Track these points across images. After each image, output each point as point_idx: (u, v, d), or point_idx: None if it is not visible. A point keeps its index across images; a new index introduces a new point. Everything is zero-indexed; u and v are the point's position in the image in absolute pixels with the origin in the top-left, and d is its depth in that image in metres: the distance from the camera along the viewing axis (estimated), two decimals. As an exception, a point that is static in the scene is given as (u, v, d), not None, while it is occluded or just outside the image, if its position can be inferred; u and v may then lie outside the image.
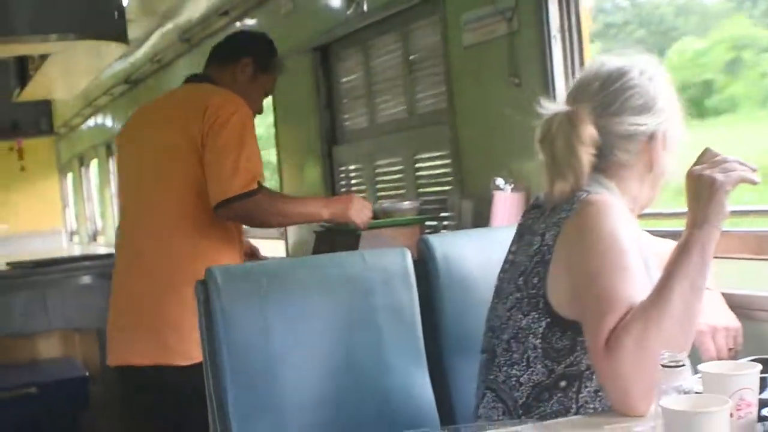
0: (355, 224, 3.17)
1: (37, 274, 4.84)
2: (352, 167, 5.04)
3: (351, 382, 2.08)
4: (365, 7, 4.45)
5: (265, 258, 3.55)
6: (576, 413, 1.81)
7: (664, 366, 1.47)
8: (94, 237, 12.75)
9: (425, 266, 2.26)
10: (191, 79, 3.17)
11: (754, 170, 1.75)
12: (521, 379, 1.86)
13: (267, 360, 2.01)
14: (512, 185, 3.34)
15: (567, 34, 3.18)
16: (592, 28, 3.27)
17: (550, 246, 1.83)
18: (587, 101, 1.90)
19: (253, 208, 2.86)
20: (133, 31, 5.67)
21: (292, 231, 5.60)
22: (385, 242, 3.38)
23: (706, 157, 1.76)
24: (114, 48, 5.56)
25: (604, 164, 1.90)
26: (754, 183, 1.75)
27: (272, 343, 2.02)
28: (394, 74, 4.51)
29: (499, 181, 3.34)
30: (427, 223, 3.96)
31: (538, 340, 1.84)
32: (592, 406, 1.81)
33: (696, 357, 1.95)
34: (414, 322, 2.17)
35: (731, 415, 1.40)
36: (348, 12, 4.63)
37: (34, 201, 13.03)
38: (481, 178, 3.55)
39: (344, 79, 5.06)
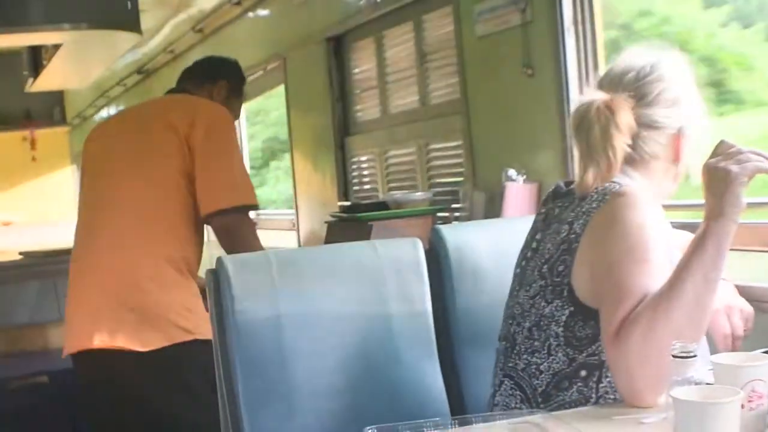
0: None
1: (48, 264, 4.82)
2: (364, 158, 5.04)
3: (361, 372, 2.08)
4: (378, -2, 4.45)
5: None
6: (596, 403, 1.81)
7: (675, 356, 1.46)
8: (105, 227, 12.72)
9: (437, 256, 2.26)
10: (172, 91, 3.24)
11: None
12: (541, 367, 1.85)
13: (277, 349, 2.01)
14: (524, 176, 3.34)
15: (581, 25, 3.17)
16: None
17: (578, 234, 1.82)
18: (623, 91, 1.89)
19: (241, 224, 2.89)
20: (146, 21, 5.67)
21: (303, 221, 5.61)
22: (397, 233, 3.39)
23: (721, 148, 1.75)
24: (127, 38, 5.56)
25: (634, 155, 1.90)
26: None
27: (283, 332, 2.01)
28: (407, 65, 4.51)
29: (512, 173, 3.34)
30: (439, 214, 3.96)
31: (561, 329, 1.83)
32: (612, 396, 1.80)
33: (709, 338, 1.95)
34: (425, 312, 2.17)
35: (742, 407, 1.40)
36: (361, 2, 4.63)
37: (46, 191, 13.02)
38: (494, 169, 3.54)
39: (357, 70, 5.05)
